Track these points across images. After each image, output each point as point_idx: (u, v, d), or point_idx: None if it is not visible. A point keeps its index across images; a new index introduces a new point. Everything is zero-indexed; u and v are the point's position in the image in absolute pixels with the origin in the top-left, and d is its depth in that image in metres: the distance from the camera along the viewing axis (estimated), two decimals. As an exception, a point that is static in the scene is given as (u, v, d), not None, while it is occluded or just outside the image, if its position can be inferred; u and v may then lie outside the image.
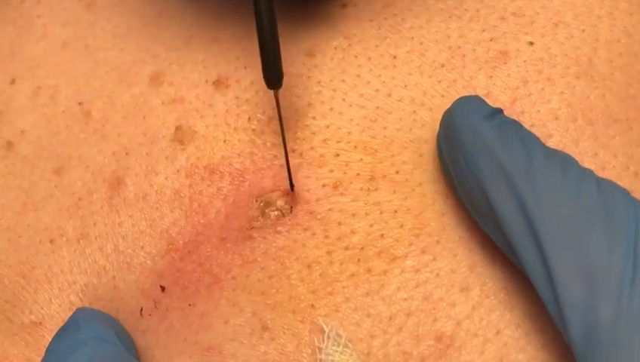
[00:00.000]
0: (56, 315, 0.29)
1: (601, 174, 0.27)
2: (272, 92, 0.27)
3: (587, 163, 0.27)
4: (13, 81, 0.32)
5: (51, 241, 0.30)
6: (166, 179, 0.29)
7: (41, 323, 0.29)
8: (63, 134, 0.31)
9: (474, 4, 0.30)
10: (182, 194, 0.29)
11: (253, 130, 0.29)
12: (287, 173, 0.28)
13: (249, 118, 0.30)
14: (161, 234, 0.29)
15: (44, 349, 0.27)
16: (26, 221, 0.30)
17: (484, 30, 0.30)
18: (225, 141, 0.29)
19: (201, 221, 0.28)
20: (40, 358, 0.28)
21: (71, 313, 0.28)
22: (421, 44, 0.30)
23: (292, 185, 0.28)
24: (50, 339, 0.27)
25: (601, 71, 0.29)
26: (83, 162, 0.30)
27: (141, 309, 0.28)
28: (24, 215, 0.30)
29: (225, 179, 0.29)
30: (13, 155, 0.31)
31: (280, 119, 0.27)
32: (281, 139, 0.28)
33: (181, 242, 0.28)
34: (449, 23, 0.30)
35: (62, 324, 0.27)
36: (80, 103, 0.31)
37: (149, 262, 0.29)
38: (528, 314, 0.26)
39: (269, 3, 0.25)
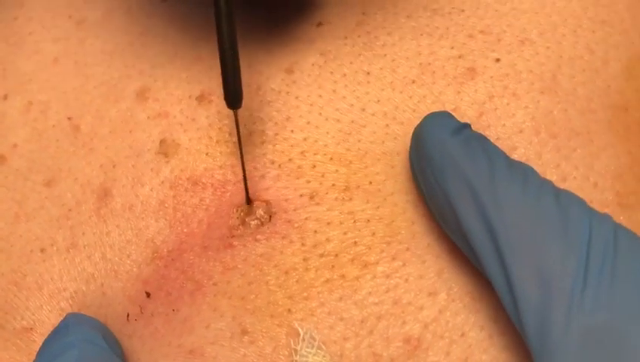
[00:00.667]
0: (47, 321, 0.30)
1: (562, 185, 0.28)
2: (252, 106, 0.29)
3: (549, 174, 0.28)
4: (5, 97, 0.34)
5: (42, 250, 0.31)
6: (151, 190, 0.31)
7: (32, 328, 0.30)
8: (53, 148, 0.32)
9: (444, 23, 0.32)
10: (166, 205, 0.30)
11: (234, 143, 0.31)
12: (266, 185, 0.29)
13: (230, 132, 0.31)
14: (147, 242, 0.30)
15: (35, 353, 0.28)
16: (18, 231, 0.31)
17: (453, 47, 0.31)
18: (207, 154, 0.31)
19: (185, 230, 0.30)
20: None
21: (61, 318, 0.29)
22: (393, 60, 0.31)
23: (248, 200, 0.29)
24: (40, 344, 0.28)
25: (564, 86, 0.30)
26: (72, 174, 0.32)
27: (127, 315, 0.29)
28: (16, 225, 0.31)
29: (207, 190, 0.30)
30: (5, 169, 0.32)
31: (239, 137, 0.29)
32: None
33: (165, 250, 0.30)
34: (420, 40, 0.31)
35: (52, 329, 0.28)
36: (69, 118, 0.33)
37: (135, 269, 0.30)
38: (492, 317, 0.27)
39: (231, 28, 0.26)
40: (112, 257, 0.30)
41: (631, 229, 0.25)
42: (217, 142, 0.31)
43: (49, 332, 0.28)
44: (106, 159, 0.31)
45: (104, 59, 0.34)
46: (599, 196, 0.29)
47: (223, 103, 0.30)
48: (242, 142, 0.30)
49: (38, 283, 0.31)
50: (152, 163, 0.31)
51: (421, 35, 0.32)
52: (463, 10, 0.32)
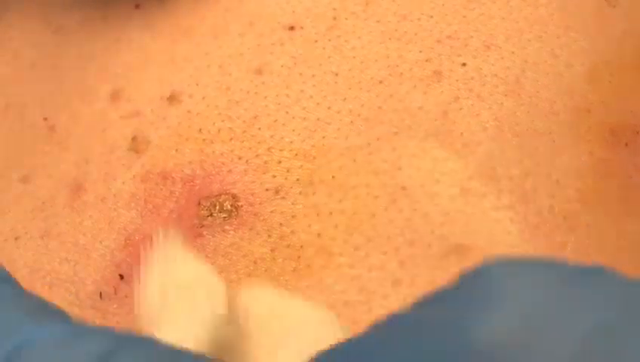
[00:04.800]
0: None
1: (525, 181, 0.29)
2: (220, 106, 0.30)
3: (513, 169, 0.29)
4: None
5: (16, 238, 0.32)
6: (123, 183, 0.31)
7: None
8: (28, 147, 0.33)
9: (413, 28, 0.32)
10: (137, 197, 0.31)
11: (203, 140, 0.31)
12: (233, 179, 0.30)
13: (200, 129, 0.32)
14: (119, 230, 0.31)
15: None
16: None
17: (421, 51, 0.32)
18: (177, 150, 0.31)
19: (156, 220, 0.30)
20: None
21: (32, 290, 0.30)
22: (362, 63, 0.32)
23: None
24: None
25: (527, 89, 0.31)
26: (46, 171, 0.32)
27: (100, 293, 0.30)
28: None
29: (177, 184, 0.31)
30: None
31: None
32: (228, 148, 0.30)
33: (137, 238, 0.30)
34: (389, 44, 0.32)
35: None
36: (45, 119, 0.33)
37: (107, 254, 0.31)
38: None
39: None
40: (84, 243, 0.31)
41: (594, 227, 0.26)
42: (187, 139, 0.31)
43: None
44: (79, 156, 0.32)
45: (80, 64, 0.34)
46: (562, 192, 0.29)
47: (193, 103, 0.30)
48: (210, 139, 0.31)
49: (11, 268, 0.31)
50: (124, 159, 0.32)
51: (390, 39, 0.32)
52: (431, 16, 0.33)
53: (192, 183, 0.31)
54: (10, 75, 0.35)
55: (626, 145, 0.30)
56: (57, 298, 0.31)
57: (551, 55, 0.31)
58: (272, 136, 0.31)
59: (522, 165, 0.29)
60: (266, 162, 0.30)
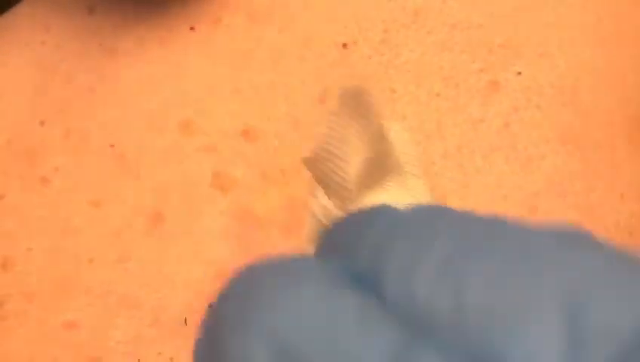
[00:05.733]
0: (92, 316, 0.31)
1: (590, 195, 0.29)
2: (295, 142, 0.30)
3: (578, 184, 0.29)
4: (42, 123, 0.34)
5: (90, 261, 0.31)
6: (211, 219, 0.31)
7: (76, 323, 0.31)
8: (96, 171, 0.33)
9: (463, 37, 0.32)
10: (229, 234, 0.31)
11: (286, 183, 0.31)
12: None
13: (282, 170, 0.31)
14: (209, 262, 0.31)
15: (76, 348, 0.30)
16: (65, 245, 0.32)
17: (474, 62, 0.32)
18: (264, 193, 0.31)
19: (250, 257, 0.30)
20: (67, 357, 0.30)
21: (105, 314, 0.30)
22: (417, 76, 0.32)
23: None
24: (80, 337, 0.30)
25: (584, 99, 0.31)
26: (120, 197, 0.32)
27: (185, 319, 0.30)
28: (63, 240, 0.32)
29: (273, 229, 0.31)
30: (48, 190, 0.33)
31: None
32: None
33: (230, 271, 0.30)
34: (441, 55, 0.32)
35: (95, 324, 0.30)
36: (112, 145, 0.33)
37: (195, 283, 0.30)
38: None
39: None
40: (168, 271, 0.31)
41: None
42: (271, 181, 0.32)
43: (92, 327, 0.30)
44: (155, 185, 0.32)
45: (141, 89, 0.34)
46: (626, 207, 0.29)
47: (268, 139, 0.31)
48: (294, 182, 0.31)
49: (85, 287, 0.31)
50: (208, 194, 0.32)
51: (442, 50, 0.32)
52: (481, 25, 0.33)
53: (288, 232, 0.31)
54: (68, 99, 0.34)
55: (686, 156, 0.30)
56: (134, 319, 0.31)
57: (606, 63, 0.31)
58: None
59: (586, 179, 0.29)
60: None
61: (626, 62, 0.32)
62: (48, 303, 0.31)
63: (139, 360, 0.30)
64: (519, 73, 0.31)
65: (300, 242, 0.30)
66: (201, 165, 0.32)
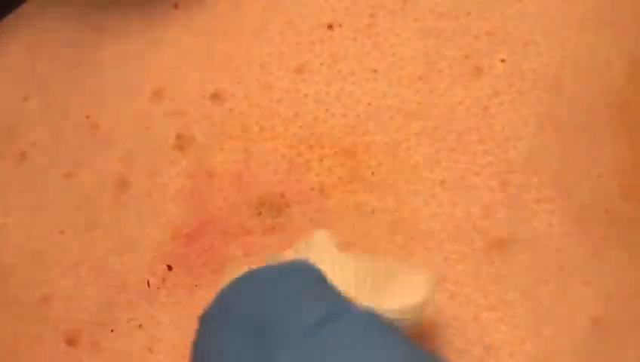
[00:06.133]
0: (65, 288, 0.32)
1: (567, 175, 0.29)
2: (263, 105, 0.31)
3: (555, 164, 0.29)
4: (26, 99, 0.35)
5: (61, 232, 0.32)
6: (169, 179, 0.32)
7: (51, 297, 0.31)
8: (72, 144, 0.34)
9: (451, 25, 0.33)
10: (184, 192, 0.32)
11: (247, 138, 0.32)
12: (279, 178, 0.31)
13: (243, 128, 0.32)
14: (166, 223, 0.31)
15: (54, 322, 0.31)
16: (38, 218, 0.33)
17: (459, 48, 0.32)
18: (222, 149, 0.32)
19: (204, 215, 0.31)
20: (46, 330, 0.31)
21: (78, 285, 0.31)
22: (401, 59, 0.32)
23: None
24: (57, 310, 0.31)
25: (567, 85, 0.31)
26: (91, 167, 0.33)
27: (148, 281, 0.31)
28: (36, 214, 0.33)
29: (224, 182, 0.31)
30: (26, 164, 0.34)
31: None
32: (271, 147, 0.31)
33: (185, 231, 0.31)
34: (427, 41, 0.32)
35: (68, 295, 0.31)
36: (87, 116, 0.34)
37: (155, 245, 0.31)
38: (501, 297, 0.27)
39: None
40: (131, 234, 0.32)
41: (637, 221, 0.27)
42: (231, 137, 0.32)
43: (65, 299, 0.31)
44: (123, 153, 0.33)
45: (120, 62, 0.35)
46: (603, 187, 0.29)
47: (236, 102, 0.31)
48: (253, 138, 0.31)
49: (57, 259, 0.32)
50: (170, 156, 0.32)
51: (428, 36, 0.33)
52: (469, 13, 0.33)
53: (239, 181, 0.31)
54: (51, 75, 0.35)
55: (667, 139, 0.30)
56: (103, 287, 0.31)
57: (589, 51, 0.32)
58: (312, 134, 0.31)
59: (564, 160, 0.29)
60: (308, 160, 0.31)
61: (610, 50, 0.32)
62: (24, 279, 0.32)
63: (112, 330, 0.30)
64: (503, 60, 0.32)
65: (250, 192, 0.31)
66: (167, 129, 0.33)
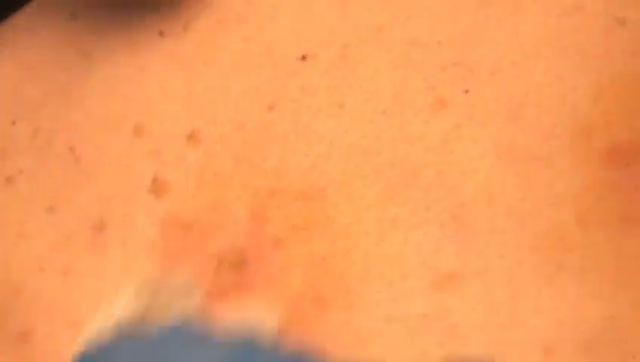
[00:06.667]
0: (41, 328, 0.33)
1: (522, 204, 0.30)
2: (235, 147, 0.32)
3: (510, 195, 0.30)
4: (14, 123, 0.37)
5: (40, 269, 0.34)
6: (143, 229, 0.33)
7: (27, 334, 0.33)
8: (56, 176, 0.35)
9: (419, 55, 0.33)
10: (156, 246, 0.33)
11: (218, 185, 0.33)
12: (243, 228, 0.32)
13: (215, 173, 0.33)
14: (136, 277, 0.33)
15: (27, 358, 0.32)
16: (19, 249, 0.34)
17: (425, 79, 0.33)
18: (193, 196, 0.33)
19: (171, 273, 0.32)
20: None
21: (53, 330, 0.32)
22: (367, 92, 0.33)
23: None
24: (33, 350, 0.32)
25: (529, 114, 0.31)
26: (72, 204, 0.34)
27: None
28: (18, 245, 0.35)
29: (194, 235, 0.32)
30: (12, 191, 0.36)
31: None
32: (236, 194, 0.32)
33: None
34: (395, 72, 0.33)
35: (45, 335, 0.32)
36: (71, 148, 0.36)
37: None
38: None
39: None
40: (104, 287, 0.33)
41: (592, 248, 0.27)
42: (203, 184, 0.33)
43: (43, 338, 0.32)
44: (103, 192, 0.34)
45: (105, 92, 0.36)
46: (559, 216, 0.30)
47: (210, 143, 0.32)
48: (224, 184, 0.32)
49: (34, 298, 0.33)
50: (145, 201, 0.33)
51: (397, 67, 0.33)
52: (439, 42, 0.33)
53: (205, 235, 0.32)
54: (41, 99, 0.37)
55: (627, 165, 0.30)
56: (77, 336, 0.32)
57: (556, 78, 0.32)
58: (275, 178, 0.32)
59: (519, 190, 0.30)
60: (267, 209, 0.32)
61: (577, 75, 0.32)
62: (5, 311, 0.34)
63: None
64: (467, 91, 0.32)
65: (216, 246, 0.32)
66: (145, 170, 0.34)
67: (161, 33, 0.37)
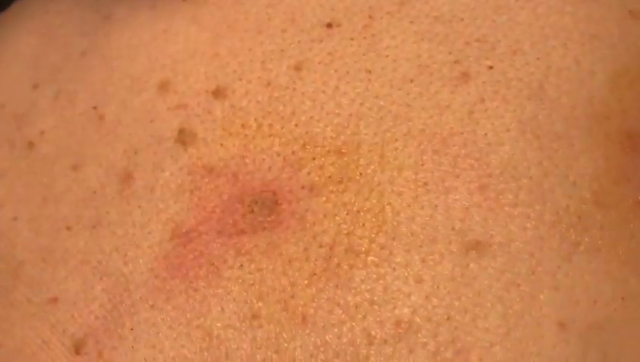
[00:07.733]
0: (71, 289, 0.33)
1: (544, 181, 0.31)
2: (262, 101, 0.33)
3: (533, 169, 0.31)
4: (36, 86, 0.37)
5: (68, 228, 0.34)
6: (171, 174, 0.33)
7: (57, 298, 0.33)
8: (79, 135, 0.35)
9: (444, 30, 0.34)
10: (184, 189, 0.33)
11: (246, 135, 0.33)
12: (272, 176, 0.32)
13: (242, 124, 0.34)
14: (167, 221, 0.33)
15: (61, 325, 0.32)
16: (45, 212, 0.34)
17: (450, 53, 0.33)
18: (222, 145, 0.33)
19: (201, 213, 0.32)
20: (54, 334, 0.32)
21: (84, 286, 0.32)
22: (394, 61, 0.34)
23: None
24: (64, 312, 0.32)
25: (549, 94, 0.32)
26: (97, 160, 0.34)
27: (150, 284, 0.32)
28: (44, 207, 0.34)
29: (221, 178, 0.33)
30: (34, 154, 0.35)
31: None
32: (268, 144, 0.32)
33: (184, 230, 0.32)
34: (421, 44, 0.34)
35: (75, 297, 0.32)
36: (95, 107, 0.35)
37: (155, 245, 0.33)
38: (475, 301, 0.29)
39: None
40: (134, 232, 0.33)
41: (608, 229, 0.29)
42: (230, 134, 0.33)
43: (72, 300, 0.32)
44: (128, 146, 0.34)
45: (128, 53, 0.36)
46: (578, 193, 0.31)
47: (237, 98, 0.33)
48: (252, 134, 0.33)
49: (64, 258, 0.33)
50: (172, 150, 0.34)
51: (422, 39, 0.34)
52: (462, 19, 0.34)
53: (235, 179, 0.33)
54: (62, 63, 0.37)
55: (641, 151, 0.32)
56: (109, 289, 0.33)
57: (574, 62, 0.33)
58: (307, 133, 0.33)
59: (541, 166, 0.31)
60: (301, 158, 0.32)
61: (594, 62, 0.33)
62: (33, 278, 0.33)
63: (117, 337, 0.32)
64: (490, 67, 0.33)
65: (245, 190, 0.33)
66: (171, 123, 0.34)
67: None
